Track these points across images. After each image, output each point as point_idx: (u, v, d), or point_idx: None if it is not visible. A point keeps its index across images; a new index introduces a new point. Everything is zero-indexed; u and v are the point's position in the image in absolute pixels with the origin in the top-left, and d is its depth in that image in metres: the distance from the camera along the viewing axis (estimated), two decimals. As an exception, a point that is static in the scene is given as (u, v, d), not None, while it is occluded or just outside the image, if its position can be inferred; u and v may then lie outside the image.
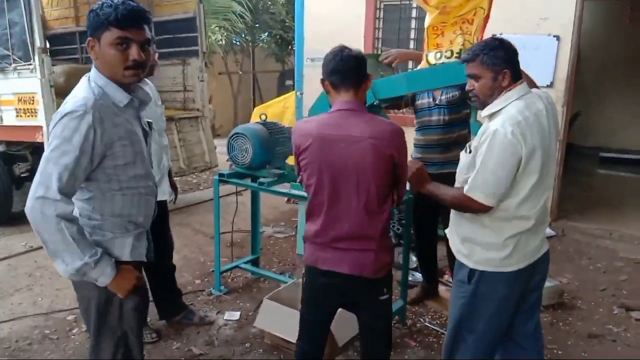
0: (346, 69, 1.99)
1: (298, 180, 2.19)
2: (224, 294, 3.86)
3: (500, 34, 4.09)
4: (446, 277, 3.99)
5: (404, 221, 3.84)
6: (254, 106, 11.33)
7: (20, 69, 4.79)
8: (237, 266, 4.11)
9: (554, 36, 5.09)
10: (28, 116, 4.88)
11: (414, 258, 4.06)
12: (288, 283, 3.55)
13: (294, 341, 2.93)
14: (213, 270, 4.06)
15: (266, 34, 12.66)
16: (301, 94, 6.06)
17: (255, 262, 4.25)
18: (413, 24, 6.11)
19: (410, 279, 3.77)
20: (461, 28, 2.82)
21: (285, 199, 6.01)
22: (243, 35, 12.09)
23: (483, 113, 2.10)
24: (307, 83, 5.67)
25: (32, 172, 5.50)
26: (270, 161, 3.52)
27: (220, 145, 7.57)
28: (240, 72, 12.77)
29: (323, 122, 2.01)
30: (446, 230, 2.35)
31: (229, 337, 3.29)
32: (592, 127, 9.00)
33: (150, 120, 2.02)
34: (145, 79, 2.88)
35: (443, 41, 2.88)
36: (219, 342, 3.23)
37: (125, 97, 1.76)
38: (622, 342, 3.31)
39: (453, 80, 2.66)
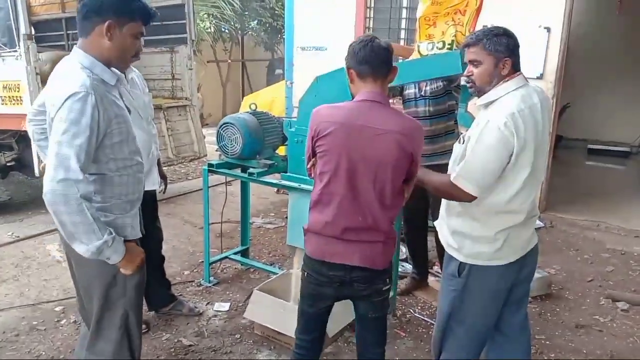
0: (377, 60, 1.96)
1: (307, 166, 2.12)
2: (213, 285, 3.85)
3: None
4: (435, 268, 4.01)
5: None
6: (243, 95, 11.24)
7: (5, 56, 4.71)
8: (226, 257, 4.10)
9: (545, 28, 5.09)
10: (13, 104, 4.81)
11: (403, 249, 4.07)
12: (278, 274, 3.54)
13: (284, 332, 2.95)
14: (202, 261, 4.04)
15: (255, 21, 12.52)
16: (291, 83, 6.02)
17: (245, 253, 4.24)
18: (404, 13, 6.08)
19: (400, 270, 3.78)
20: (453, 19, 2.79)
21: (275, 189, 5.99)
22: (232, 23, 11.94)
23: (479, 101, 2.08)
24: (297, 72, 5.63)
25: (18, 161, 5.43)
26: (260, 151, 3.50)
27: (209, 134, 7.54)
28: (229, 61, 12.64)
29: (349, 110, 1.97)
30: (435, 222, 2.35)
31: (219, 328, 3.28)
32: (581, 119, 9.06)
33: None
34: (131, 67, 2.88)
35: (435, 32, 2.86)
36: (209, 333, 3.22)
37: (113, 77, 1.87)
38: (608, 332, 3.35)
39: (445, 71, 2.65)
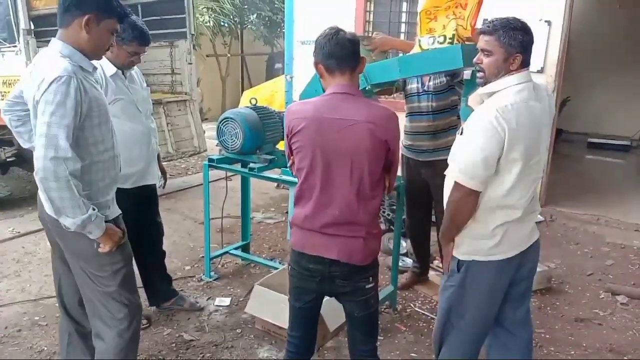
0: (343, 53, 1.96)
1: (288, 164, 2.16)
2: (214, 280, 3.85)
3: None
4: (436, 262, 4.01)
5: (394, 206, 3.84)
6: (243, 89, 11.21)
7: (5, 51, 4.69)
8: (227, 252, 4.10)
9: (545, 21, 5.07)
10: (13, 99, 4.78)
11: (404, 243, 4.08)
12: (279, 269, 3.54)
13: (285, 327, 2.95)
14: (203, 256, 4.04)
15: (255, 15, 12.47)
16: (291, 77, 5.99)
17: (245, 248, 4.24)
18: (404, 7, 6.06)
19: (400, 264, 3.79)
20: (454, 13, 2.77)
21: (275, 184, 5.99)
22: (231, 17, 11.88)
23: (481, 90, 2.08)
24: (297, 67, 5.60)
25: (19, 156, 5.41)
26: (261, 146, 3.49)
27: (209, 129, 7.53)
28: (229, 55, 12.59)
29: (318, 104, 1.98)
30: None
31: (220, 323, 3.29)
32: (581, 113, 9.04)
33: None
34: None
35: (436, 26, 2.84)
36: (210, 328, 3.23)
37: (90, 64, 2.02)
38: (608, 325, 3.37)
39: (446, 65, 2.63)
